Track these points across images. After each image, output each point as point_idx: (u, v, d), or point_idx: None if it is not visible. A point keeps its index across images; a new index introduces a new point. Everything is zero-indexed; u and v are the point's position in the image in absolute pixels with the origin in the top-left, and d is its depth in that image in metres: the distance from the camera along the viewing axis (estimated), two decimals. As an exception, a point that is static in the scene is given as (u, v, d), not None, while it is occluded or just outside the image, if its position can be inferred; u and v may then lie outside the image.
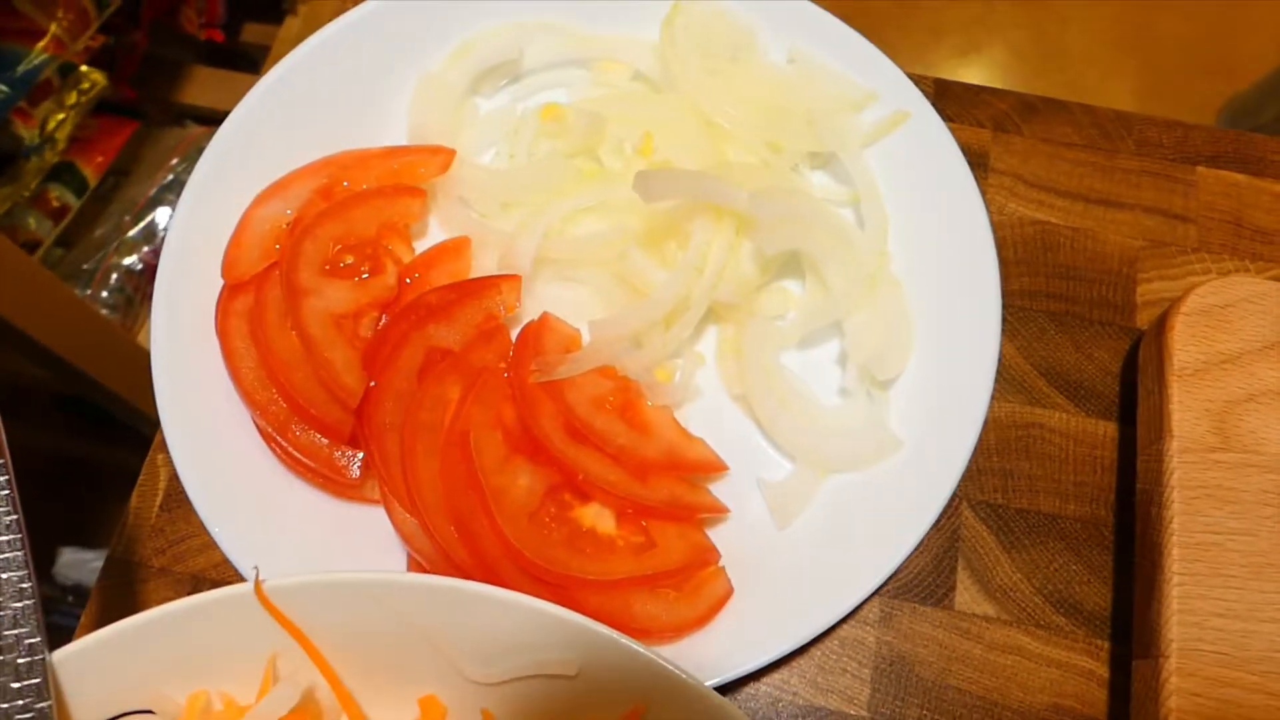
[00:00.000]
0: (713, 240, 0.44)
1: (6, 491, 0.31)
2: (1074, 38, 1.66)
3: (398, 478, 0.39)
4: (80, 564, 1.22)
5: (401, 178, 0.46)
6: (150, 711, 0.34)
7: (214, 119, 1.44)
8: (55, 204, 1.30)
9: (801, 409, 0.43)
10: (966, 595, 0.42)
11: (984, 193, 0.46)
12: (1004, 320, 0.46)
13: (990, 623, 0.41)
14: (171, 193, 1.35)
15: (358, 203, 0.44)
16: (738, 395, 0.44)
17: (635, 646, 0.32)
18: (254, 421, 0.41)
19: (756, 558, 0.40)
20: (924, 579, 0.42)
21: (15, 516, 0.31)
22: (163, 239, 1.40)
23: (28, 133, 1.23)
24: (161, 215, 1.35)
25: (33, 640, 0.31)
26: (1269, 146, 0.50)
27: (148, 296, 1.32)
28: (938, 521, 0.42)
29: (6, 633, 0.31)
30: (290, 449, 0.41)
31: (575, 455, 0.39)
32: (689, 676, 0.32)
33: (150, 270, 1.32)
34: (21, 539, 0.31)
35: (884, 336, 0.43)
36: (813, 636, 0.38)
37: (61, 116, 1.27)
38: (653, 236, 0.45)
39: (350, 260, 0.43)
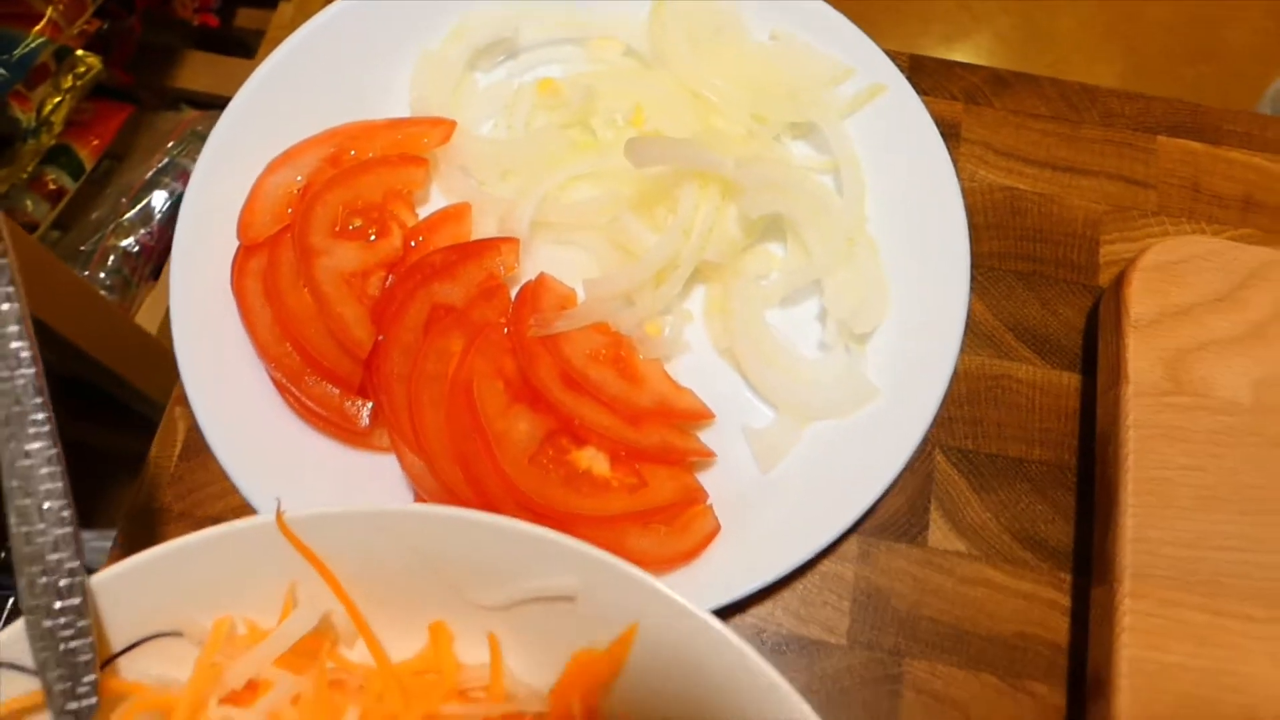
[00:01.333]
0: (700, 205, 0.46)
1: (47, 428, 0.34)
2: (1060, 23, 1.69)
3: (406, 424, 0.42)
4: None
5: (405, 147, 0.49)
6: (179, 634, 0.36)
7: (208, 103, 1.46)
8: (52, 186, 1.32)
9: (784, 362, 0.46)
10: (939, 533, 0.44)
11: (956, 161, 0.49)
12: (974, 279, 0.49)
13: (961, 558, 0.44)
14: (167, 175, 1.37)
15: (364, 170, 0.47)
16: (724, 349, 0.47)
17: (630, 569, 0.35)
18: (269, 374, 0.44)
19: (742, 498, 0.43)
20: (899, 518, 0.45)
21: (55, 450, 0.34)
22: (159, 221, 1.41)
23: (24, 115, 1.25)
24: (158, 198, 1.36)
25: (73, 564, 0.34)
26: (1224, 118, 0.53)
27: (145, 278, 1.35)
28: (911, 464, 0.45)
29: (49, 557, 0.34)
30: (304, 399, 0.43)
31: (572, 403, 0.42)
32: (679, 597, 0.35)
33: (147, 251, 1.34)
34: (61, 470, 0.34)
35: (861, 294, 0.46)
36: (794, 568, 0.40)
37: (58, 100, 1.28)
38: (643, 201, 0.48)
39: (358, 224, 0.46)
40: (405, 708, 0.36)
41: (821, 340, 0.47)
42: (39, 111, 1.27)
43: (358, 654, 0.38)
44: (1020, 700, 0.42)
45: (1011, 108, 0.53)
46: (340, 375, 0.43)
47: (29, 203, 1.29)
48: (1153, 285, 0.44)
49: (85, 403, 1.29)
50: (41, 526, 0.34)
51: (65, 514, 0.34)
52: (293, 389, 0.43)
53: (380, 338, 0.43)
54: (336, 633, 0.38)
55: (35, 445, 0.34)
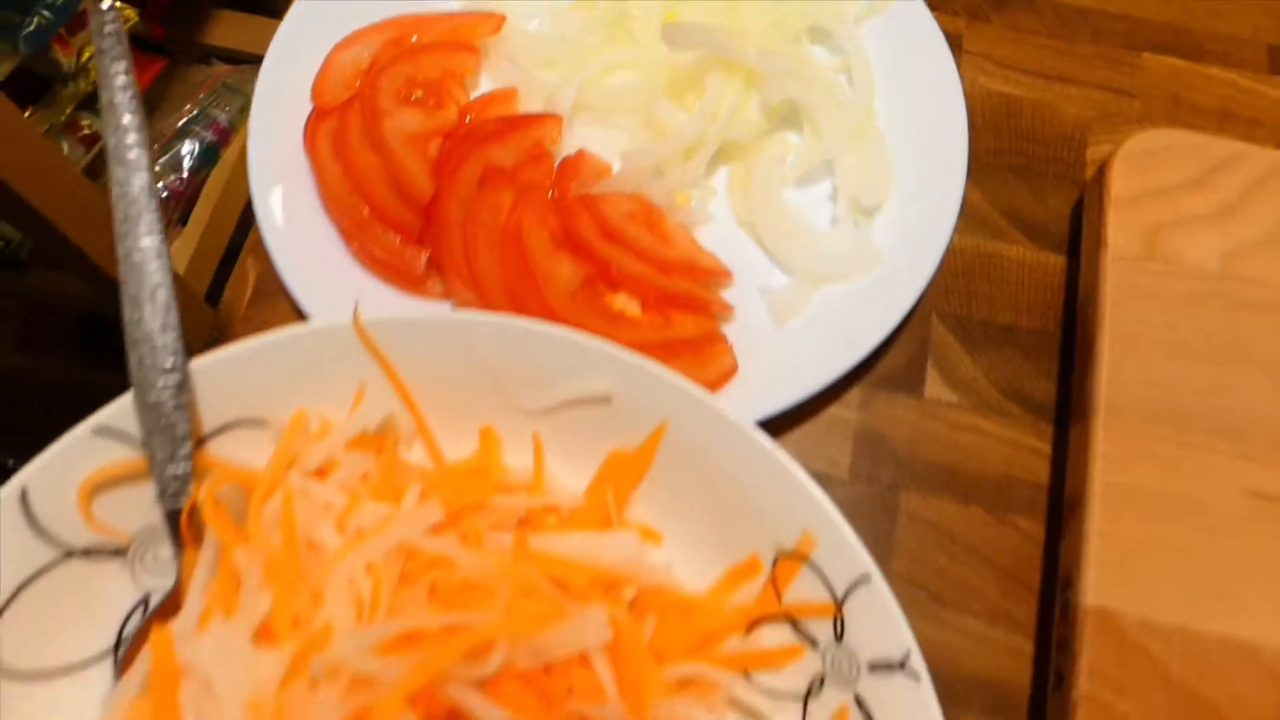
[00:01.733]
0: (725, 90, 0.51)
1: (158, 226, 0.39)
2: None
3: (462, 263, 0.46)
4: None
5: (459, 35, 0.54)
6: (262, 422, 0.41)
7: (237, 59, 1.51)
8: (86, 131, 1.36)
9: (799, 233, 0.51)
10: (934, 387, 0.49)
11: (958, 69, 0.54)
12: (971, 171, 0.53)
13: (953, 408, 0.49)
14: (197, 125, 1.42)
15: (424, 51, 0.52)
16: (744, 221, 0.51)
17: (662, 371, 0.39)
18: (336, 225, 0.49)
19: (757, 348, 0.48)
20: (898, 372, 0.49)
21: (164, 245, 0.39)
22: (189, 168, 1.45)
23: (66, 59, 1.29)
24: (187, 146, 1.41)
25: (176, 345, 0.38)
26: (1205, 37, 0.58)
27: (174, 222, 1.39)
28: (909, 325, 0.49)
29: (157, 339, 0.38)
30: (368, 246, 0.48)
31: (609, 251, 0.47)
32: (704, 393, 0.39)
33: (176, 196, 1.38)
34: (168, 264, 0.39)
35: (869, 173, 0.51)
36: (802, 402, 0.45)
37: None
38: (675, 88, 0.52)
39: (419, 95, 0.51)
40: (457, 497, 0.40)
41: (833, 216, 0.52)
42: (78, 57, 1.31)
43: (415, 456, 0.43)
44: (1004, 531, 0.46)
45: (1010, 24, 0.58)
46: (402, 224, 0.48)
47: (65, 145, 1.34)
48: (1133, 168, 0.49)
49: (115, 346, 1.34)
50: (150, 311, 0.38)
51: (171, 301, 0.39)
52: (358, 237, 0.48)
53: (440, 189, 0.48)
54: (397, 434, 0.42)
55: (147, 241, 0.39)
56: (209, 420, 0.40)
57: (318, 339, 0.40)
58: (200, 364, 0.39)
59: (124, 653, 0.40)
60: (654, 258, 0.47)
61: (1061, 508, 0.46)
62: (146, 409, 0.38)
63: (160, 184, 1.40)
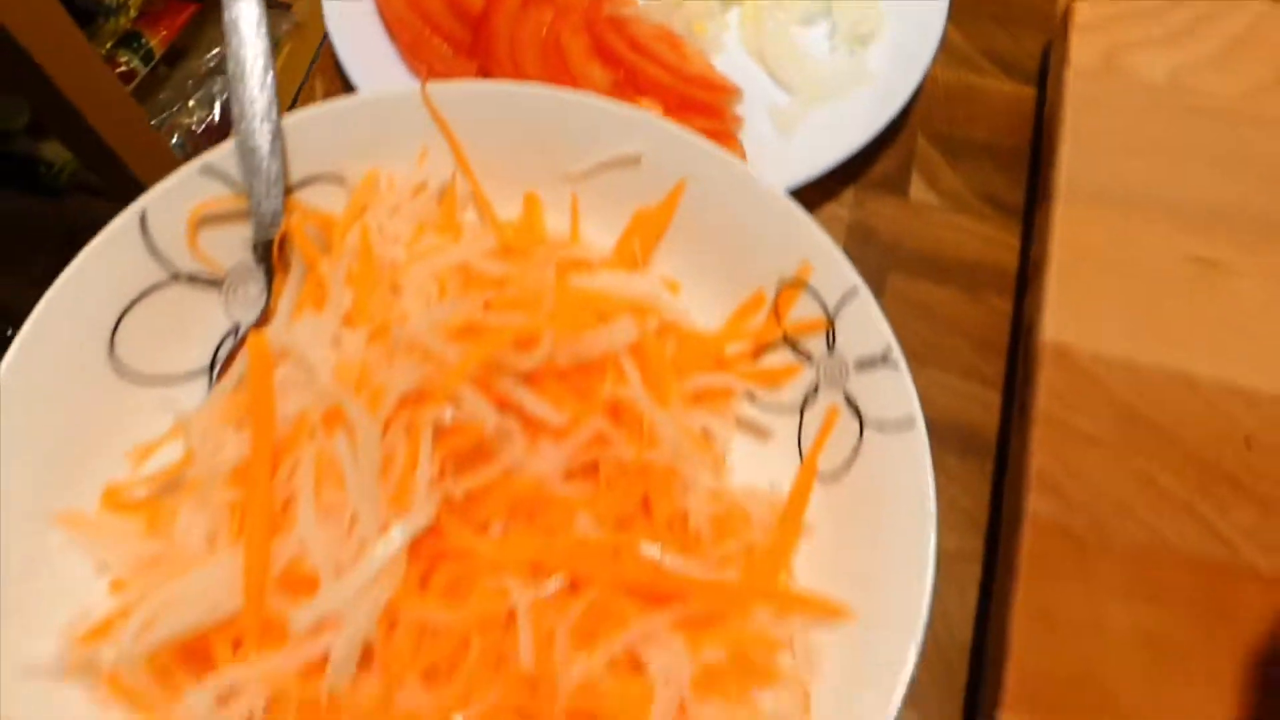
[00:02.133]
0: (739, -61, 0.58)
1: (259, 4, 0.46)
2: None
3: (508, 67, 0.53)
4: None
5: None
6: (340, 178, 0.48)
7: (268, 3, 1.58)
8: (124, 68, 1.43)
9: (803, 59, 0.58)
10: (919, 191, 0.56)
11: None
12: (953, 16, 0.60)
13: (935, 209, 0.56)
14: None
15: (473, -97, 0.59)
16: (754, 50, 0.58)
17: (682, 130, 0.46)
18: (397, 41, 0.56)
19: (763, 152, 0.55)
20: (887, 178, 0.56)
21: (265, 17, 0.46)
22: (222, 105, 1.51)
23: (108, -6, 1.36)
24: (219, 85, 1.48)
25: (272, 100, 0.45)
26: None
27: (206, 155, 1.46)
28: (896, 136, 0.56)
29: (257, 97, 0.45)
30: (426, 59, 0.55)
31: (636, 60, 0.54)
32: (719, 149, 0.46)
33: (210, 132, 1.45)
34: (267, 31, 0.46)
35: (864, 9, 0.58)
36: (803, 183, 0.52)
37: (135, -13, 1.39)
38: (694, -62, 0.60)
39: (471, -64, 0.58)
40: (505, 245, 0.47)
41: (831, 46, 0.59)
42: (119, -7, 1.38)
43: (468, 220, 0.50)
44: (978, 306, 0.53)
45: (992, -101, 0.65)
46: (455, 39, 0.55)
47: (105, 79, 1.40)
48: (1096, 3, 0.56)
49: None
50: (249, 69, 0.45)
51: (268, 64, 0.45)
52: (418, 51, 0.55)
53: (489, 6, 0.55)
54: (455, 195, 0.49)
55: (248, 10, 0.46)
56: (295, 172, 0.47)
57: (391, 102, 0.47)
58: (290, 120, 0.46)
59: (219, 370, 0.46)
60: (675, 70, 0.54)
61: (1026, 287, 0.53)
62: (246, 152, 0.45)
63: (194, 119, 1.47)
